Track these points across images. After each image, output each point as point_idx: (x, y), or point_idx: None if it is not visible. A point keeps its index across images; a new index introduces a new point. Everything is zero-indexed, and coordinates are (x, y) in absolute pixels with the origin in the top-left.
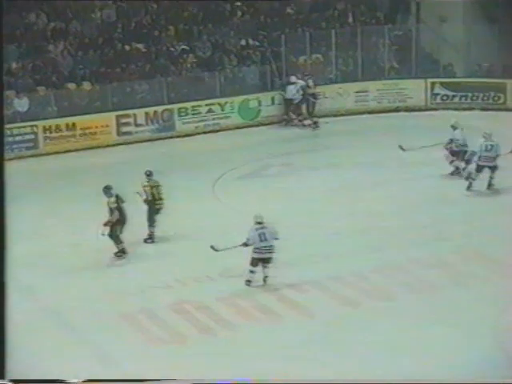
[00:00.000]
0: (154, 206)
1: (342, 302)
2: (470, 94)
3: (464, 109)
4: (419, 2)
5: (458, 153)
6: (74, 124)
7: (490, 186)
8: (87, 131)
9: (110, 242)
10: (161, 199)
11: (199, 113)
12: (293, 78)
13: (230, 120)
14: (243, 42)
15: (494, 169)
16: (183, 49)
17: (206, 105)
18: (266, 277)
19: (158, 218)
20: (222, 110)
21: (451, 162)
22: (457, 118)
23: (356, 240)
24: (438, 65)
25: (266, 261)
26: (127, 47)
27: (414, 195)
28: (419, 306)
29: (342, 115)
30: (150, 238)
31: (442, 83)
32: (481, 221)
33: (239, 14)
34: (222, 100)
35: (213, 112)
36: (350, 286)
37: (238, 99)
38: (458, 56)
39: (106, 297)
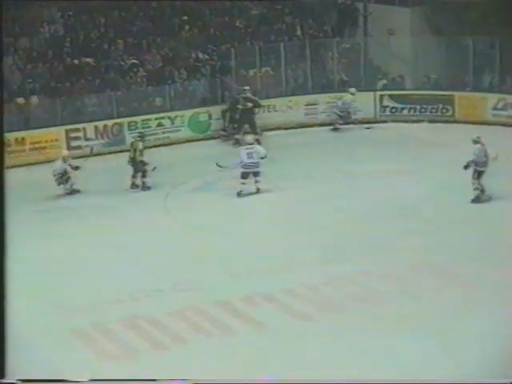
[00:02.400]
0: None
1: (294, 315)
2: (418, 107)
3: (413, 121)
4: (366, 15)
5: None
6: (23, 138)
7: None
8: (37, 145)
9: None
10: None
11: (149, 126)
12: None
13: (180, 133)
14: (193, 56)
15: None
16: (133, 63)
17: (156, 118)
18: (258, 188)
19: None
20: (172, 124)
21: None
22: (406, 130)
23: (307, 252)
24: (387, 77)
25: (254, 174)
26: (76, 61)
27: (363, 207)
28: (370, 318)
29: (293, 128)
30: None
31: (390, 96)
32: (432, 232)
33: (187, 27)
34: (172, 114)
35: (163, 126)
36: (302, 299)
37: (188, 113)
38: (406, 68)
39: (55, 312)
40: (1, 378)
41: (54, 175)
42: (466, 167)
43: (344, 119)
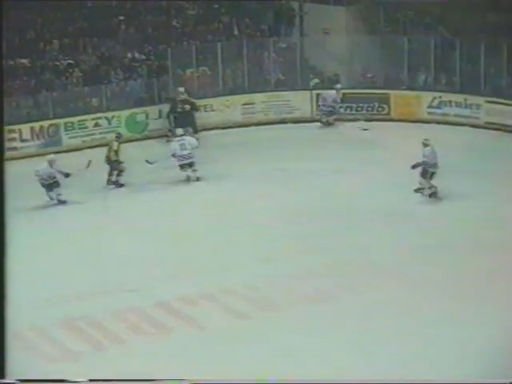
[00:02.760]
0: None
1: (234, 314)
2: (354, 105)
3: (349, 119)
4: (302, 14)
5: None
6: None
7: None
8: None
9: None
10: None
11: (86, 127)
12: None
13: None
14: (129, 56)
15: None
16: (69, 63)
17: (93, 119)
18: (198, 177)
19: None
20: (109, 124)
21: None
22: (342, 128)
23: (245, 251)
24: (323, 76)
25: (190, 165)
26: (11, 62)
27: (301, 206)
28: (309, 317)
29: (230, 127)
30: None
31: None
32: (370, 230)
33: (123, 27)
34: (109, 114)
35: (100, 126)
36: (242, 298)
37: (124, 113)
38: (341, 67)
39: None
40: (1, 378)
41: (37, 175)
42: (414, 167)
43: (333, 113)
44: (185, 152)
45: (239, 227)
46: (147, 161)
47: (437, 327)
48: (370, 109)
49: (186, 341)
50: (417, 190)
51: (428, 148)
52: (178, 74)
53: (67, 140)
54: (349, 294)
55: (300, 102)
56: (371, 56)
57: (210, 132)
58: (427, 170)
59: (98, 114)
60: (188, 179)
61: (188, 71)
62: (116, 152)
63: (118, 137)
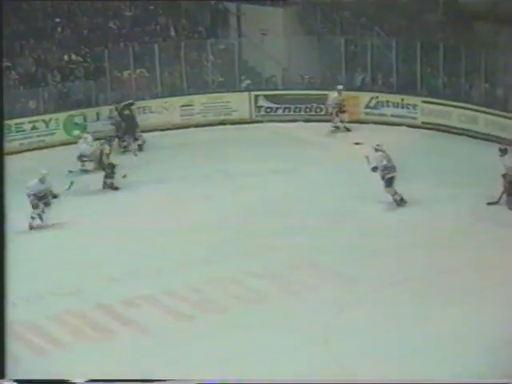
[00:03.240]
0: None
1: (176, 316)
2: (292, 106)
3: (288, 120)
4: (239, 15)
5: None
6: None
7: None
8: None
9: None
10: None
11: (23, 130)
12: None
13: (55, 136)
14: (66, 58)
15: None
16: (5, 65)
17: (30, 122)
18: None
19: None
20: (47, 127)
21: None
22: (282, 129)
23: (187, 252)
24: (261, 78)
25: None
26: None
27: (241, 207)
28: (252, 317)
29: (169, 129)
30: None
31: (265, 96)
32: (308, 230)
33: (60, 29)
34: (47, 116)
35: (37, 129)
36: (183, 300)
37: (62, 115)
38: (279, 68)
39: None
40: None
41: (29, 196)
42: (373, 169)
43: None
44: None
45: (178, 228)
46: (68, 170)
47: (373, 326)
48: (308, 110)
49: (129, 343)
50: (400, 203)
51: (379, 153)
52: (116, 75)
53: (4, 143)
54: (286, 293)
55: (239, 103)
56: (309, 57)
57: (149, 134)
58: (384, 177)
59: (35, 117)
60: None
61: (125, 73)
62: (108, 155)
63: (109, 140)
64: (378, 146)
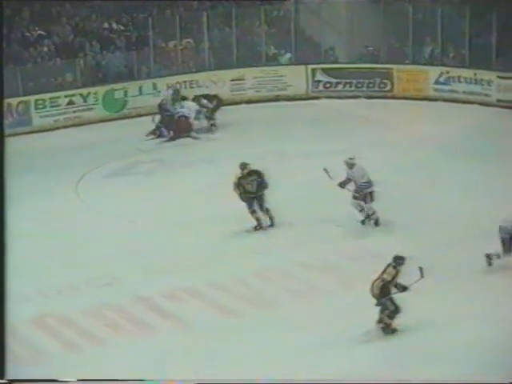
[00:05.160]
0: None
1: (222, 310)
2: (354, 81)
3: (348, 97)
4: None
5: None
6: None
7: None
8: None
9: None
10: None
11: (59, 105)
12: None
13: (93, 112)
14: (106, 26)
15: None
16: (40, 34)
17: (66, 96)
18: None
19: None
20: (85, 102)
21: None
22: (341, 107)
23: (237, 244)
24: (320, 49)
25: None
26: None
27: (293, 193)
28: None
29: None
30: None
31: (323, 69)
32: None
33: None
34: (84, 90)
35: (74, 104)
36: (230, 293)
37: (101, 89)
38: (340, 39)
39: None
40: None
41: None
42: (342, 185)
43: None
44: None
45: (230, 216)
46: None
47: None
48: (371, 85)
49: (168, 339)
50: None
51: (354, 168)
52: (160, 46)
53: (38, 119)
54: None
55: (295, 77)
56: (373, 26)
57: None
58: (368, 193)
59: (72, 91)
60: None
61: (171, 43)
62: None
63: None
64: (350, 159)
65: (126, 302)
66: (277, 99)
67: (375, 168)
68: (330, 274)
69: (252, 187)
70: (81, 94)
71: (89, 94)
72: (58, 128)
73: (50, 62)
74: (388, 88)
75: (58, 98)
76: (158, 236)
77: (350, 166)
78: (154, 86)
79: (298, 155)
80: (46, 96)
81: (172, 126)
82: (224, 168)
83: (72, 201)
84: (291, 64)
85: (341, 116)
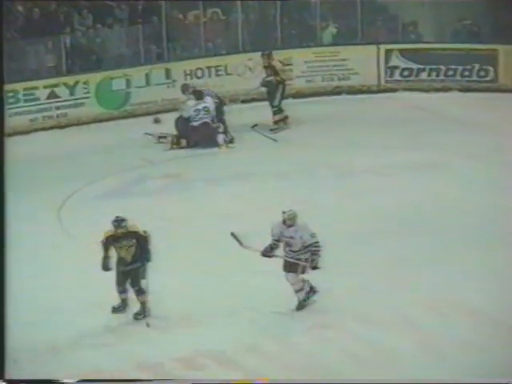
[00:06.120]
0: None
1: None
2: (443, 68)
3: (435, 89)
4: None
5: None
6: None
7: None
8: None
9: None
10: None
11: (36, 99)
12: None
13: (83, 109)
14: None
15: None
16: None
17: (46, 86)
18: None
19: None
20: (72, 95)
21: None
22: (425, 103)
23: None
24: (396, 24)
25: None
26: None
27: (358, 218)
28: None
29: (254, 100)
30: None
31: (401, 51)
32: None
33: None
34: (71, 79)
35: (57, 97)
36: None
37: (94, 77)
38: (423, 11)
39: None
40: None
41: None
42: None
43: None
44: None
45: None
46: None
47: None
48: (466, 73)
49: None
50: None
51: (293, 227)
52: (176, 17)
53: (7, 118)
54: None
55: (362, 61)
56: None
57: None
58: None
59: (55, 80)
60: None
61: (190, 14)
62: None
63: None
64: (288, 215)
65: None
66: (337, 92)
67: (476, 190)
68: None
69: (128, 254)
70: (66, 84)
71: (77, 83)
72: (35, 130)
73: (24, 41)
74: (491, 77)
75: (35, 88)
76: (172, 282)
77: (288, 226)
78: (168, 74)
79: (362, 170)
80: (19, 86)
81: (190, 135)
82: (262, 185)
83: (54, 232)
84: (356, 43)
85: (426, 116)
